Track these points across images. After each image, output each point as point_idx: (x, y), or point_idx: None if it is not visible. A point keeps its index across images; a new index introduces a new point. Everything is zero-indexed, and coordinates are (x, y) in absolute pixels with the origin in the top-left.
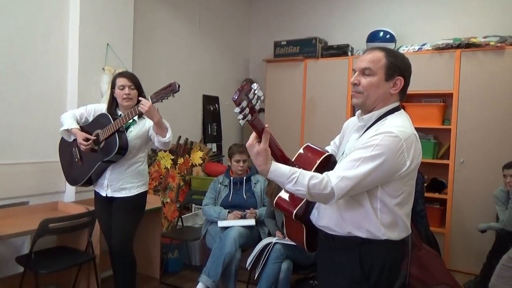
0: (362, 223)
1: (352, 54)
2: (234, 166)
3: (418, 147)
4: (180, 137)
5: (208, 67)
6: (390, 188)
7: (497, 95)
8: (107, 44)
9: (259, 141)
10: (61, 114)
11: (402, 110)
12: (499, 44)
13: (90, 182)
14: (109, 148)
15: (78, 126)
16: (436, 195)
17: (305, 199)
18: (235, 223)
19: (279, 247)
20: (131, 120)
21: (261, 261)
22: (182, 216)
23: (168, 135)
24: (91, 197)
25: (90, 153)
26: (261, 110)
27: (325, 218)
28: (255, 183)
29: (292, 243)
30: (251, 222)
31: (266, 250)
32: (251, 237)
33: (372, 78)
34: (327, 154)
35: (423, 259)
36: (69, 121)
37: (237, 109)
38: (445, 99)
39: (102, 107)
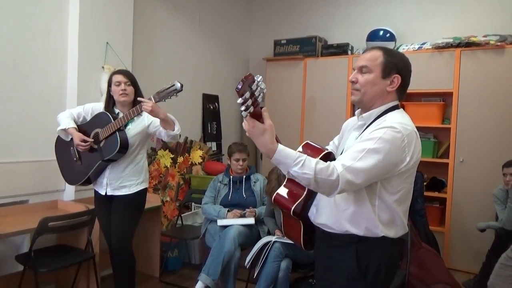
0: (360, 221)
1: (352, 53)
2: (233, 165)
3: (418, 144)
4: (179, 135)
5: (208, 66)
6: (389, 185)
7: (497, 94)
8: (107, 42)
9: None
10: (60, 113)
11: (402, 109)
12: (499, 43)
13: (89, 181)
14: (110, 147)
15: (75, 126)
16: (436, 194)
17: (303, 196)
18: (235, 221)
19: (278, 246)
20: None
21: (261, 259)
22: (182, 215)
23: (177, 127)
24: (91, 196)
25: (89, 152)
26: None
27: (323, 216)
28: (254, 182)
29: (292, 241)
30: (251, 221)
31: (266, 249)
32: (250, 235)
33: (369, 76)
34: (326, 151)
35: (423, 258)
36: (66, 120)
37: (240, 100)
38: (445, 98)
39: (99, 106)
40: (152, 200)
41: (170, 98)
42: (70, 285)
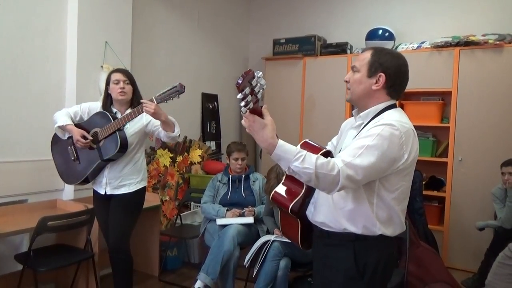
0: (358, 219)
1: (351, 52)
2: (232, 164)
3: (415, 142)
4: (179, 136)
5: (207, 65)
6: (387, 183)
7: (495, 93)
8: (106, 42)
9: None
10: (57, 112)
11: (399, 108)
12: (497, 42)
13: (86, 180)
14: (110, 146)
15: (72, 123)
16: (435, 193)
17: (301, 194)
18: (234, 221)
19: (277, 245)
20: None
21: (260, 258)
22: (181, 214)
23: (177, 129)
24: (90, 195)
25: (88, 151)
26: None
27: (321, 214)
28: (253, 181)
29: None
30: (250, 220)
31: (265, 248)
32: (249, 235)
33: (357, 75)
34: (325, 150)
35: (421, 257)
36: (63, 118)
37: (240, 95)
38: (444, 97)
39: (96, 105)
40: (151, 200)
41: (172, 99)
42: (70, 285)
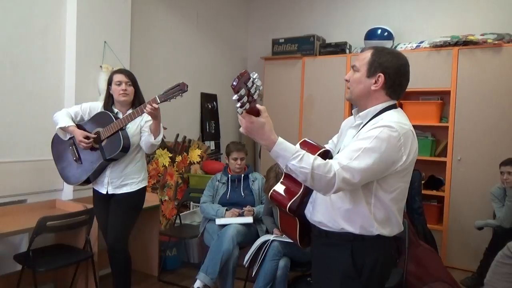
0: (355, 219)
1: (350, 52)
2: (231, 164)
3: (414, 143)
4: (178, 135)
5: (206, 65)
6: (385, 183)
7: (494, 93)
8: (105, 41)
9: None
10: (56, 112)
11: (399, 108)
12: (496, 42)
13: (88, 181)
14: (113, 146)
15: (74, 124)
16: (434, 192)
17: (300, 193)
18: (233, 220)
19: (276, 245)
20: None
21: (259, 258)
22: (180, 214)
23: (159, 138)
24: (89, 195)
25: (90, 152)
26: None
27: (319, 213)
28: (252, 181)
29: (290, 240)
30: (249, 219)
31: (264, 248)
32: (248, 234)
33: (356, 74)
34: (324, 149)
35: (420, 256)
36: (64, 119)
37: (235, 96)
38: (443, 96)
39: (97, 105)
40: (151, 199)
41: (175, 98)
42: (69, 285)
